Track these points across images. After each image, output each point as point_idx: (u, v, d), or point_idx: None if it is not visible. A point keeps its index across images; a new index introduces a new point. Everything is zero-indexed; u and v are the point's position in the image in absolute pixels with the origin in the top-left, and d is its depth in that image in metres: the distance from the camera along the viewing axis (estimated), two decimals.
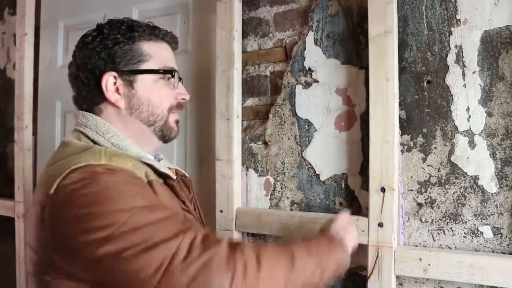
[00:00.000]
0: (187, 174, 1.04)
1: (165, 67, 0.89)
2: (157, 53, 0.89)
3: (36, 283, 0.78)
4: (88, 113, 0.87)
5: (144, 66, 0.87)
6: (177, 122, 0.94)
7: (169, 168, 0.96)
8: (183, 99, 0.93)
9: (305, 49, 1.32)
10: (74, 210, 0.70)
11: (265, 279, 0.69)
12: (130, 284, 0.66)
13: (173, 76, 0.90)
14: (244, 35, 1.43)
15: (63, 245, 0.72)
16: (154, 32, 0.89)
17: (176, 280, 0.64)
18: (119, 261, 0.67)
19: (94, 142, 0.84)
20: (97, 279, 0.71)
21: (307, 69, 1.32)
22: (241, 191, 1.40)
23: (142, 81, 0.87)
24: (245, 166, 1.42)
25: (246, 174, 1.42)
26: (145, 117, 0.88)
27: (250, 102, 1.44)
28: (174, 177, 0.89)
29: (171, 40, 0.93)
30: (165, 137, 0.92)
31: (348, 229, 1.01)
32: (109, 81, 0.85)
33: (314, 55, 1.31)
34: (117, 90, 0.86)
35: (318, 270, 0.80)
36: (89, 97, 0.88)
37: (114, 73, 0.85)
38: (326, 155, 1.29)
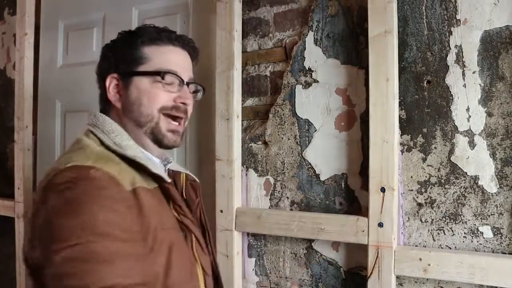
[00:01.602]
0: (197, 179, 1.03)
1: (161, 69, 0.88)
2: (157, 56, 0.89)
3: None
4: (99, 112, 0.91)
5: (141, 68, 0.89)
6: (173, 131, 0.90)
7: (175, 172, 0.97)
8: (182, 103, 0.90)
9: (305, 49, 1.32)
10: (47, 213, 0.71)
11: None
12: None
13: (162, 78, 0.87)
14: (244, 35, 1.43)
15: (33, 244, 0.72)
16: (158, 36, 0.90)
17: None
18: (55, 280, 0.67)
19: (101, 141, 0.85)
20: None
21: (307, 69, 1.32)
22: (241, 191, 1.40)
23: (137, 82, 0.88)
24: (245, 166, 1.42)
25: (246, 174, 1.42)
26: (136, 118, 0.88)
27: (250, 102, 1.44)
28: (168, 180, 0.85)
29: (183, 44, 0.93)
30: (158, 141, 0.89)
31: None
32: (112, 83, 0.90)
33: (314, 55, 1.31)
34: (118, 91, 0.90)
35: None
36: (101, 97, 0.93)
37: (115, 75, 0.89)
38: (326, 155, 1.29)
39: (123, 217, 0.72)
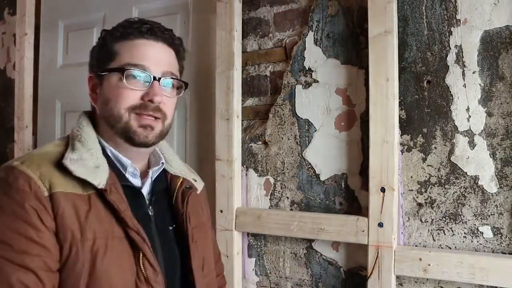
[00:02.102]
0: (194, 185, 0.96)
1: (129, 65, 0.81)
2: (124, 51, 0.83)
3: None
4: (82, 112, 0.89)
5: (111, 65, 0.83)
6: (144, 126, 0.82)
7: (173, 176, 0.93)
8: (150, 100, 0.81)
9: (305, 49, 1.32)
10: None
11: None
12: None
13: (123, 74, 0.80)
14: (244, 35, 1.43)
15: None
16: (126, 31, 0.84)
17: None
18: None
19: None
20: None
21: (307, 69, 1.32)
22: (241, 191, 1.40)
23: (107, 80, 0.83)
24: (245, 166, 1.42)
25: (246, 174, 1.42)
26: (108, 117, 0.83)
27: (250, 102, 1.44)
28: (101, 186, 0.77)
29: (153, 35, 0.84)
30: (131, 140, 0.83)
31: None
32: (90, 82, 0.88)
33: (314, 55, 1.31)
34: (95, 91, 0.87)
35: None
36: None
37: (92, 74, 0.88)
38: (326, 155, 1.29)
39: (21, 225, 0.71)
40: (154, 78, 0.82)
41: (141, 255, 0.77)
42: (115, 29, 0.86)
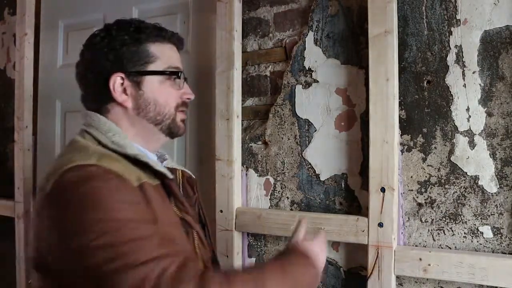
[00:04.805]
0: (193, 176, 1.05)
1: (171, 68, 0.91)
2: (163, 54, 0.90)
3: (38, 280, 0.80)
4: (93, 112, 0.89)
5: (151, 67, 0.89)
6: (183, 120, 0.95)
7: (171, 169, 0.97)
8: (188, 98, 0.95)
9: (305, 49, 1.32)
10: (63, 212, 0.72)
11: None
12: None
13: (179, 77, 0.92)
14: (244, 35, 1.43)
15: (52, 245, 0.73)
16: (160, 34, 0.91)
17: None
18: (92, 272, 0.68)
19: (98, 141, 0.85)
20: (68, 281, 0.72)
21: (307, 69, 1.32)
22: (241, 191, 1.40)
23: (149, 82, 0.89)
24: (245, 166, 1.42)
25: (246, 174, 1.42)
26: (152, 117, 0.90)
27: (250, 102, 1.44)
28: (171, 176, 0.87)
29: (177, 41, 0.95)
30: (172, 134, 0.94)
31: (322, 248, 0.94)
32: (117, 82, 0.87)
33: (314, 55, 1.31)
34: (124, 90, 0.88)
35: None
36: (97, 97, 0.90)
37: (122, 74, 0.87)
38: (326, 155, 1.29)
39: (136, 207, 0.74)
40: (185, 78, 0.95)
41: (194, 235, 0.89)
42: (145, 31, 0.89)
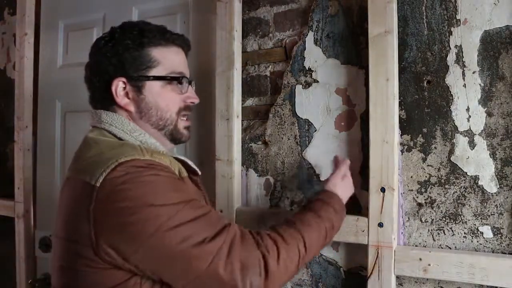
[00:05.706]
0: (199, 171, 1.07)
1: (173, 73, 0.91)
2: (166, 59, 0.91)
3: (70, 275, 0.79)
4: (112, 112, 0.90)
5: (153, 72, 0.89)
6: (187, 128, 0.97)
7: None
8: (192, 102, 0.96)
9: (305, 49, 1.32)
10: (126, 202, 0.74)
11: (290, 268, 0.81)
12: (177, 277, 0.74)
13: (180, 82, 0.92)
14: (244, 35, 1.43)
15: (115, 236, 0.74)
16: (164, 37, 0.91)
17: (220, 276, 0.73)
18: (169, 251, 0.73)
19: (121, 139, 0.86)
20: (148, 268, 0.75)
21: (307, 69, 1.32)
22: (241, 191, 1.40)
23: (150, 86, 0.89)
24: (245, 166, 1.42)
25: (246, 174, 1.42)
26: (155, 122, 0.91)
27: (250, 102, 1.44)
28: (200, 172, 0.95)
29: (182, 43, 0.95)
30: (175, 140, 0.96)
31: (347, 176, 1.07)
32: (119, 86, 0.88)
33: (314, 55, 1.31)
34: (126, 94, 0.89)
35: (325, 233, 0.92)
36: (102, 99, 0.91)
37: (124, 79, 0.88)
38: (326, 155, 1.29)
39: (188, 193, 0.83)
40: (190, 82, 0.95)
41: None
42: (147, 35, 0.89)
